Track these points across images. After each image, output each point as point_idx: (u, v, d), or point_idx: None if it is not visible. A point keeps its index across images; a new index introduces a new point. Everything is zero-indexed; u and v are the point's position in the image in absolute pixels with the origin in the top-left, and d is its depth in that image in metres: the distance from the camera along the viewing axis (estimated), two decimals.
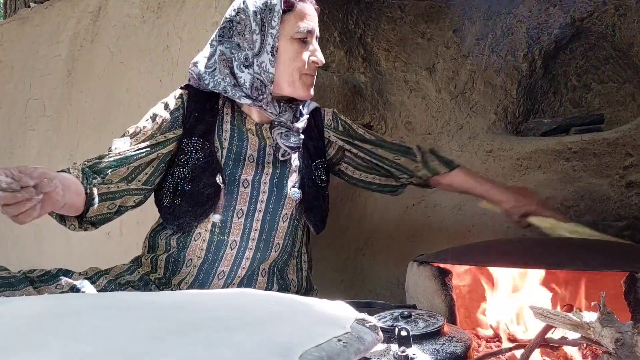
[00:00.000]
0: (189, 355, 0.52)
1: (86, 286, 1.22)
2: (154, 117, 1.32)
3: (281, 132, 1.32)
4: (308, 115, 1.41)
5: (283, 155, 1.34)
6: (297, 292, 1.39)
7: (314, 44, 1.32)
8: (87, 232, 2.30)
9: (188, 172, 1.28)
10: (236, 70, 1.28)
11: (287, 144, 1.32)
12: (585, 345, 0.97)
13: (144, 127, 1.30)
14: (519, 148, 2.02)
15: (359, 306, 1.28)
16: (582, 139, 1.88)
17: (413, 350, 1.01)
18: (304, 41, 1.29)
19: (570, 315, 0.82)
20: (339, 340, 0.62)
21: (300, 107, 1.41)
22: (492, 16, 2.16)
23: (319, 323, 0.67)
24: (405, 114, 2.30)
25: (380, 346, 1.06)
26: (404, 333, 1.01)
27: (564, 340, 1.00)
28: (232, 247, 1.31)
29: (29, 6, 3.01)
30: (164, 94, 1.97)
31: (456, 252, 1.37)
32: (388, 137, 1.69)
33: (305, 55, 1.30)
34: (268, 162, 1.35)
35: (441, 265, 1.31)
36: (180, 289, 1.31)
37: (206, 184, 1.26)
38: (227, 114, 1.35)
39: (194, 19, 1.93)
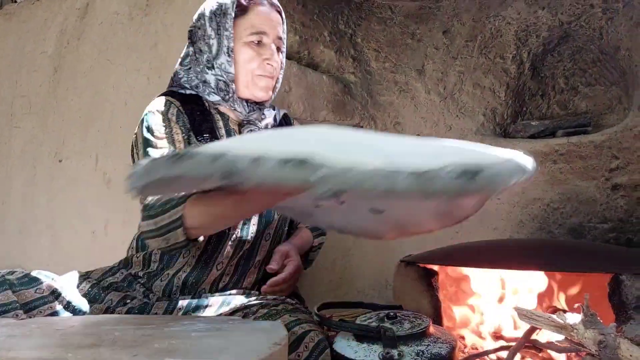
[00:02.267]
0: None
1: (66, 290, 1.20)
2: (156, 127, 1.27)
3: (250, 130, 1.35)
4: (277, 116, 1.45)
5: None
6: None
7: (272, 47, 1.35)
8: (72, 231, 2.27)
9: None
10: (202, 72, 1.34)
11: None
12: (573, 353, 0.97)
13: (159, 137, 1.27)
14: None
15: (346, 307, 1.28)
16: (569, 142, 1.89)
17: (398, 351, 1.01)
18: (258, 44, 1.33)
19: (554, 317, 0.82)
20: None
21: (271, 110, 1.44)
22: (481, 18, 2.16)
23: None
24: (395, 114, 2.30)
25: (365, 346, 1.06)
26: (389, 334, 1.01)
27: (549, 344, 1.00)
28: (233, 241, 1.30)
29: (15, 1, 2.97)
30: (151, 92, 1.96)
31: (443, 253, 1.37)
32: None
33: (259, 58, 1.33)
34: None
35: (427, 266, 1.31)
36: (172, 285, 1.29)
37: None
38: (215, 113, 1.37)
39: (182, 17, 1.91)
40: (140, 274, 1.33)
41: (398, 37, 2.31)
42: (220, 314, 1.20)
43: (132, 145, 1.33)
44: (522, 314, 0.87)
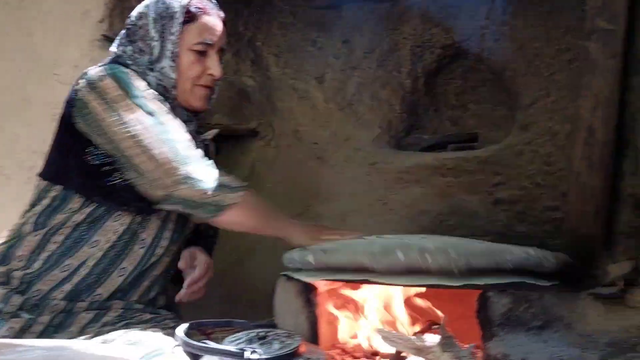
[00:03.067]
0: None
1: None
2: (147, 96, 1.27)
3: None
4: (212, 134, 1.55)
5: None
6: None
7: (214, 57, 1.37)
8: None
9: None
10: (143, 73, 1.32)
11: None
12: None
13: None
14: (399, 162, 2.06)
15: (218, 325, 1.21)
16: (457, 156, 1.95)
17: None
18: (202, 53, 1.34)
19: (413, 339, 0.81)
20: None
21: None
22: (379, 31, 2.19)
23: None
24: (294, 122, 2.27)
25: None
26: (254, 357, 0.96)
27: None
28: (141, 246, 1.28)
29: None
30: (25, 83, 1.79)
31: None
32: None
33: (200, 66, 1.35)
34: None
35: (308, 280, 1.27)
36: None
37: None
38: None
39: (60, 6, 1.77)
40: (33, 264, 1.21)
41: (299, 44, 2.28)
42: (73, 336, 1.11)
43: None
44: (383, 335, 0.85)
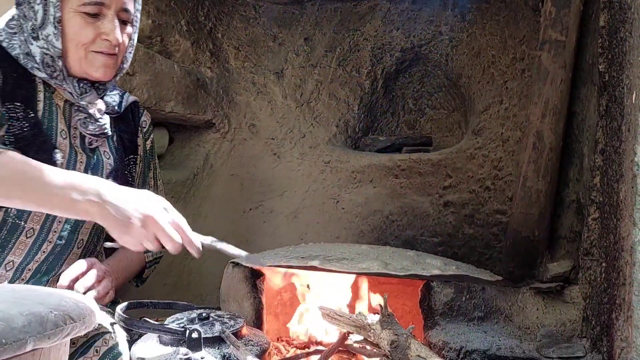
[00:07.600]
0: None
1: None
2: None
3: (80, 119, 1.19)
4: (122, 103, 1.30)
5: (90, 144, 1.21)
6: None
7: (110, 19, 1.15)
8: None
9: (10, 142, 1.09)
10: (27, 42, 1.14)
11: (87, 132, 1.20)
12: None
13: None
14: (354, 161, 2.07)
15: (159, 307, 1.17)
16: (410, 158, 1.97)
17: (202, 353, 0.93)
18: (93, 15, 1.13)
19: (354, 316, 0.81)
20: None
21: (115, 95, 1.29)
22: (341, 30, 2.20)
23: None
24: (251, 115, 2.25)
25: (169, 349, 0.97)
26: (194, 335, 0.93)
27: (361, 349, 0.99)
28: (29, 235, 1.13)
29: None
30: None
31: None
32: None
33: (93, 30, 1.14)
34: (78, 147, 1.20)
35: (255, 267, 1.25)
36: None
37: (36, 159, 1.03)
38: (39, 82, 1.17)
39: None
40: None
41: (260, 38, 2.26)
42: None
43: None
44: (325, 313, 0.84)
